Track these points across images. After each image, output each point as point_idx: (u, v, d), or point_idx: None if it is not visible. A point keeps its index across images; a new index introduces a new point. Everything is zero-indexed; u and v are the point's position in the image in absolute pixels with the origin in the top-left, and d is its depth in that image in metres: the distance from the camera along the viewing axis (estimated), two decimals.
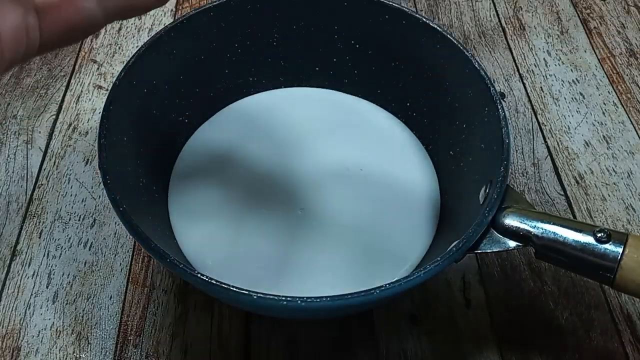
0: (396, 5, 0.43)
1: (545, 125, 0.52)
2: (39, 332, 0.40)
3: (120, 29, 0.59)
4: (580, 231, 0.32)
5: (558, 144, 0.51)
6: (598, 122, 0.52)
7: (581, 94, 0.54)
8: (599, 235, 0.31)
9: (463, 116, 0.41)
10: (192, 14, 0.42)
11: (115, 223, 0.45)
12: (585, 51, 0.58)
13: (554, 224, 0.32)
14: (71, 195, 0.47)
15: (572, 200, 0.47)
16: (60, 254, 0.44)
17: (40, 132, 0.51)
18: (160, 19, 0.60)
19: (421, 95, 0.46)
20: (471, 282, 0.43)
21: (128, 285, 0.42)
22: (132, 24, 0.59)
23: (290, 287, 0.39)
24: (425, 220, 0.43)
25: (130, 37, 0.58)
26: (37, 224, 0.45)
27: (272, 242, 0.41)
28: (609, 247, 0.31)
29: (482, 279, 0.43)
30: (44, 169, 0.48)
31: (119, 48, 0.57)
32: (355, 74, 0.48)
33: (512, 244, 0.34)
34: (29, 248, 0.44)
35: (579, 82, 0.55)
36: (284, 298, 0.29)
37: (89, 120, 0.52)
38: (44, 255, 0.44)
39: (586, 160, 0.50)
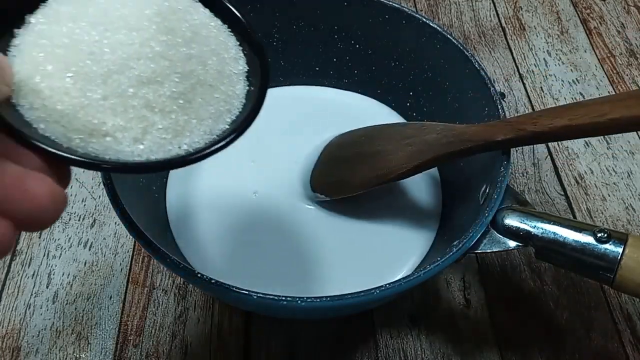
0: (396, 5, 0.43)
1: None
2: (39, 332, 0.40)
3: None
4: (580, 231, 0.32)
5: (558, 143, 0.51)
6: None
7: (581, 94, 0.54)
8: (599, 235, 0.31)
9: (463, 116, 0.41)
10: None
11: (115, 223, 0.45)
12: (585, 51, 0.58)
13: (554, 224, 0.32)
14: (71, 195, 0.47)
15: (572, 200, 0.47)
16: (60, 254, 0.44)
17: None
18: None
19: (421, 95, 0.46)
20: (471, 282, 0.43)
21: (128, 285, 0.42)
22: None
23: (290, 287, 0.39)
24: (426, 220, 0.43)
25: None
26: None
27: (273, 242, 0.41)
28: (609, 247, 0.30)
29: (482, 279, 0.43)
30: None
31: None
32: (355, 74, 0.48)
33: (512, 244, 0.34)
34: (29, 248, 0.44)
35: (579, 82, 0.55)
36: (283, 298, 0.29)
37: None
38: (44, 255, 0.44)
39: (586, 160, 0.50)
